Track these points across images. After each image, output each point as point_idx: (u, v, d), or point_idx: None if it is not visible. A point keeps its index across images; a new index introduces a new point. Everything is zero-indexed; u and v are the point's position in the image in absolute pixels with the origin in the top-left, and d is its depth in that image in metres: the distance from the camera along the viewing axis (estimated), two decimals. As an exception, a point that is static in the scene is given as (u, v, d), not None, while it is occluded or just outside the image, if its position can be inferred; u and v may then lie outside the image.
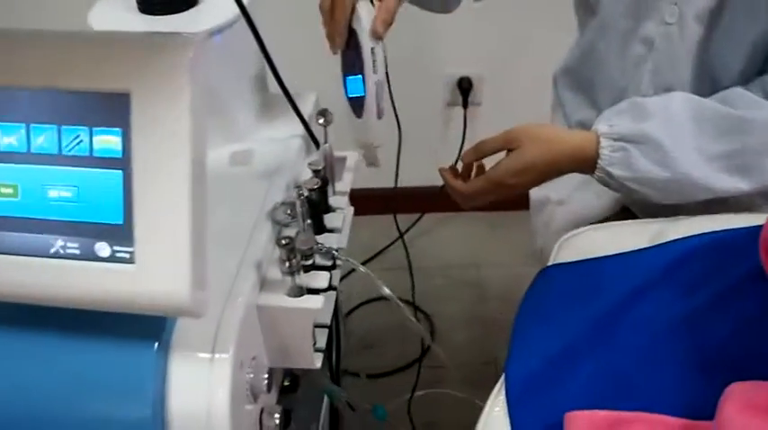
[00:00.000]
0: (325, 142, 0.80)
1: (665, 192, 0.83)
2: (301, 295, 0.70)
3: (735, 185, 0.81)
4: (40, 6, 1.51)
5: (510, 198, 0.90)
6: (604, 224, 0.87)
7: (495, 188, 0.87)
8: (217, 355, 0.63)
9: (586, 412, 0.62)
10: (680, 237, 0.80)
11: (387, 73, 0.88)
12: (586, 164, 0.84)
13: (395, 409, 1.40)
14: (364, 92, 0.86)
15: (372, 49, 0.84)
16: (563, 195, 1.04)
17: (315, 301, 0.69)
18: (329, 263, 0.73)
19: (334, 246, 0.74)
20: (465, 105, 1.86)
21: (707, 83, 0.87)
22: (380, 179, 1.46)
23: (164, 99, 0.54)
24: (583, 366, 0.69)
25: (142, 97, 0.54)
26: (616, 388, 0.67)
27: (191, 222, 0.55)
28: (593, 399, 0.65)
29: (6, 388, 0.63)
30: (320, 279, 0.72)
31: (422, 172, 1.63)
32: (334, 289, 0.77)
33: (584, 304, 0.76)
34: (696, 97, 0.83)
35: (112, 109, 0.55)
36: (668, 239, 0.80)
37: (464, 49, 1.81)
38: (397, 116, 1.09)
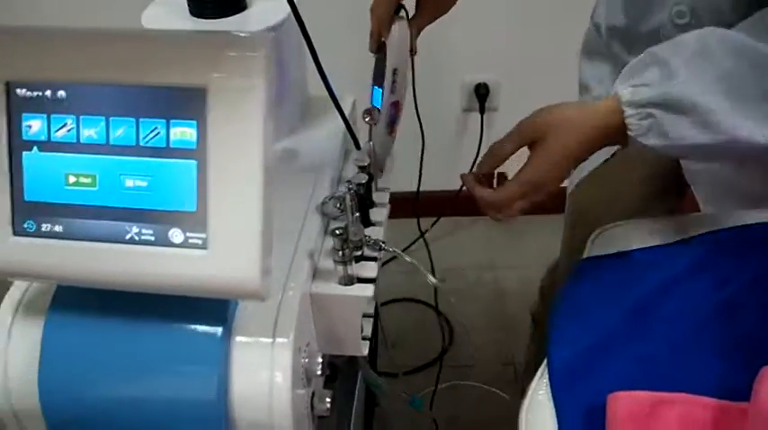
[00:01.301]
0: (369, 140, 0.83)
1: (713, 156, 0.76)
2: (352, 284, 0.73)
3: None
4: (93, 10, 1.55)
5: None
6: (636, 220, 0.89)
7: (531, 189, 0.78)
8: (278, 340, 0.66)
9: (629, 392, 0.66)
10: (707, 230, 0.84)
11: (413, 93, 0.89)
12: (617, 136, 0.75)
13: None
14: (380, 106, 0.87)
15: (395, 70, 0.84)
16: (600, 93, 0.99)
17: (366, 289, 0.73)
18: (376, 254, 0.77)
19: (381, 238, 0.77)
20: (482, 111, 1.89)
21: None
22: (400, 183, 1.49)
23: (239, 93, 0.57)
24: (621, 354, 0.72)
25: (218, 91, 0.57)
26: (655, 374, 0.70)
27: (262, 210, 0.58)
28: (634, 384, 0.68)
29: (80, 368, 0.66)
30: (369, 269, 0.75)
31: (438, 176, 1.66)
32: (375, 280, 0.80)
33: (618, 296, 0.79)
34: (731, 34, 0.70)
35: (189, 102, 0.58)
36: (696, 233, 0.84)
37: (481, 56, 1.85)
38: (420, 122, 1.12)
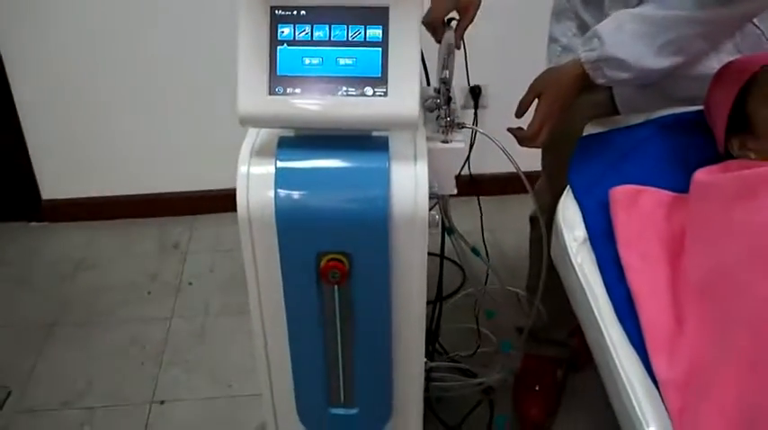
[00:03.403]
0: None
1: (635, 81, 1.27)
2: (450, 143, 1.19)
3: (676, 61, 1.23)
4: None
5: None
6: (607, 118, 1.36)
7: (546, 118, 1.28)
8: (419, 164, 1.10)
9: (622, 186, 1.12)
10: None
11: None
12: (585, 80, 1.27)
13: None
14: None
15: (444, 58, 1.29)
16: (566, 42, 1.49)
17: (460, 144, 1.19)
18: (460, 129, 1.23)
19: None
20: (476, 107, 2.39)
21: None
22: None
23: (406, 9, 1.04)
24: (619, 173, 1.18)
25: (394, 8, 1.04)
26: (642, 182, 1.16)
27: (417, 76, 1.04)
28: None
29: (300, 184, 1.09)
30: (459, 135, 1.21)
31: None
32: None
33: (616, 142, 1.24)
34: (638, 11, 1.23)
35: (378, 15, 1.04)
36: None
37: (476, 63, 2.34)
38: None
